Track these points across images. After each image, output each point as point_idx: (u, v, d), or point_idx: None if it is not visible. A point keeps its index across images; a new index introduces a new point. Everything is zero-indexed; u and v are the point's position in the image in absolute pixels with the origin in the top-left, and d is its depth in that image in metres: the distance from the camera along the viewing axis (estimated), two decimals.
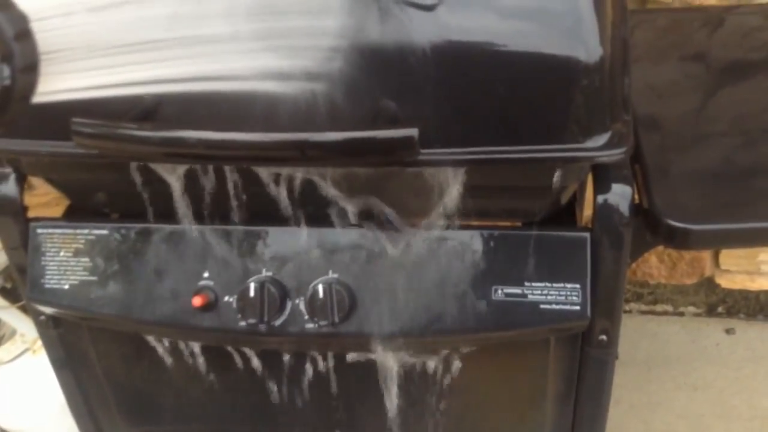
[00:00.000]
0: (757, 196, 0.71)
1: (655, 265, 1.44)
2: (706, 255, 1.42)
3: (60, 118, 0.60)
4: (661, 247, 0.97)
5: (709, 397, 1.36)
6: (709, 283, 1.47)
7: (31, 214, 0.76)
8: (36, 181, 0.76)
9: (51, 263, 0.75)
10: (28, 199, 0.76)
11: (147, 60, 0.56)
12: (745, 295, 1.47)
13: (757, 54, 0.93)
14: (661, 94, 0.85)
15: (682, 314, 1.51)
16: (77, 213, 0.78)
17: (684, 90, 0.87)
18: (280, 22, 0.57)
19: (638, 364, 1.41)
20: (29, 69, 0.52)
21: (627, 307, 1.51)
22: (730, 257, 1.41)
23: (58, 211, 0.80)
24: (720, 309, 1.50)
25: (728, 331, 1.47)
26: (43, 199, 0.83)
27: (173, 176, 0.67)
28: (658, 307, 1.52)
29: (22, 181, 0.75)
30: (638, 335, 1.47)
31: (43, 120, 0.63)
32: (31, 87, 0.53)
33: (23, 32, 0.51)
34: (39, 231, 0.75)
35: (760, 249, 1.37)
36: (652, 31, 0.98)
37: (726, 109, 0.83)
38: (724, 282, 1.45)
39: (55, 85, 0.55)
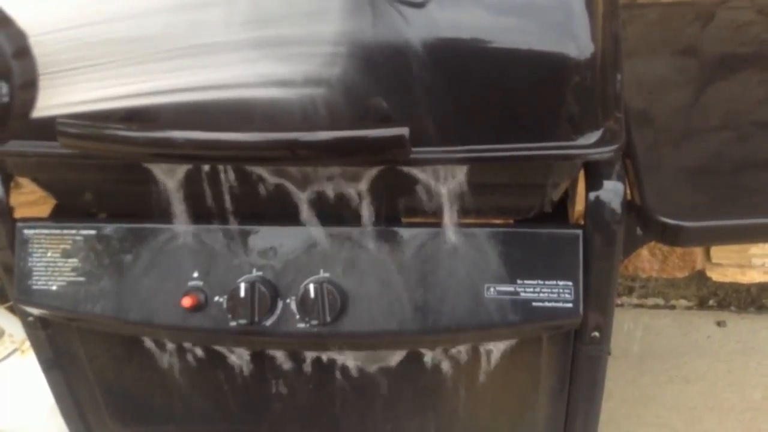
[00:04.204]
0: (748, 192, 0.71)
1: (647, 258, 1.44)
2: (698, 249, 1.42)
3: (47, 118, 0.59)
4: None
5: (700, 389, 1.36)
6: (701, 277, 1.47)
7: (17, 212, 0.76)
8: (22, 179, 0.75)
9: (38, 264, 0.74)
10: (15, 198, 0.75)
11: (142, 72, 0.56)
12: (736, 287, 1.48)
13: (748, 48, 0.93)
14: (652, 90, 0.84)
15: (673, 307, 1.52)
16: (64, 213, 0.77)
17: (675, 85, 0.86)
18: (274, 28, 0.56)
19: (630, 357, 1.41)
20: (28, 86, 0.52)
21: (619, 301, 1.51)
22: (721, 251, 1.42)
23: (45, 209, 0.79)
24: (711, 302, 1.51)
25: (719, 324, 1.47)
26: (30, 197, 0.82)
27: (167, 176, 0.67)
28: (650, 301, 1.52)
29: (7, 181, 0.74)
30: (630, 329, 1.47)
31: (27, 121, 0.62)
32: (30, 104, 0.52)
33: (22, 49, 0.51)
34: (26, 231, 0.74)
35: None
36: (644, 25, 0.98)
37: (717, 104, 0.83)
38: (716, 275, 1.46)
39: (54, 100, 0.55)
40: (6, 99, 0.50)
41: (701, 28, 0.97)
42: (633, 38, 0.94)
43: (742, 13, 0.99)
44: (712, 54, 0.92)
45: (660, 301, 1.52)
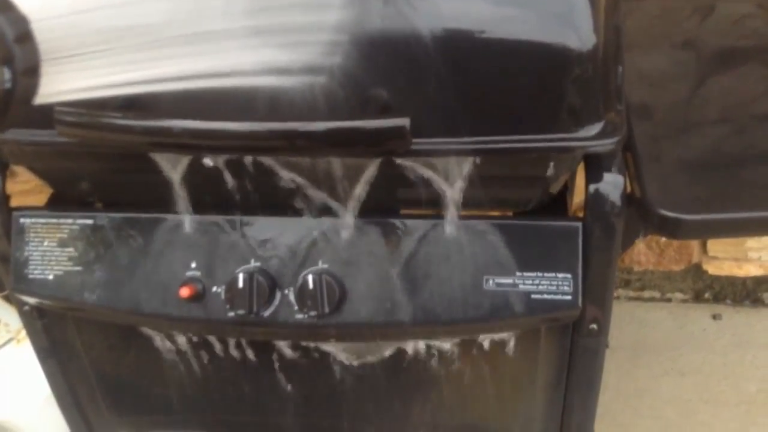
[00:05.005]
0: (747, 186, 0.71)
1: (643, 251, 1.45)
2: (694, 242, 1.42)
3: (44, 106, 0.58)
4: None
5: (695, 382, 1.37)
6: (697, 270, 1.48)
7: (13, 201, 0.75)
8: (18, 168, 0.74)
9: (35, 253, 0.74)
10: (10, 187, 0.75)
11: (142, 60, 0.56)
12: (731, 281, 1.48)
13: (747, 41, 0.92)
14: (652, 83, 0.84)
15: (669, 300, 1.52)
16: (61, 202, 0.77)
17: (675, 78, 0.86)
18: (275, 17, 0.56)
19: (626, 350, 1.42)
20: (30, 71, 0.51)
21: (615, 294, 1.51)
22: (717, 244, 1.42)
23: (41, 198, 0.78)
24: (707, 295, 1.51)
25: (715, 317, 1.48)
26: (26, 186, 0.81)
27: (166, 165, 0.66)
28: (646, 294, 1.53)
29: (3, 169, 0.73)
30: (626, 321, 1.47)
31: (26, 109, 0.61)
32: (32, 90, 0.52)
33: (24, 35, 0.50)
34: (22, 220, 0.74)
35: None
36: (643, 18, 0.97)
37: (717, 98, 0.83)
38: (712, 268, 1.46)
39: (56, 87, 0.55)
40: (8, 85, 0.50)
41: (701, 22, 0.97)
42: (633, 31, 0.93)
43: (742, 6, 0.98)
44: (712, 47, 0.92)
45: (656, 294, 1.52)
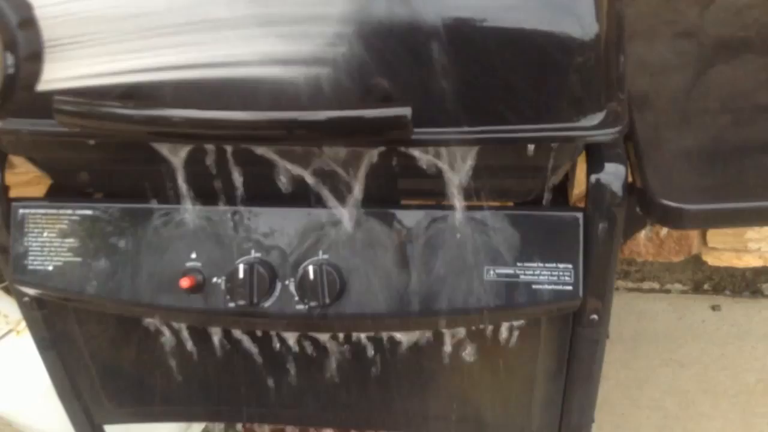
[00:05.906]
0: (749, 176, 0.71)
1: (643, 242, 1.44)
2: (694, 233, 1.42)
3: (43, 95, 0.58)
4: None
5: (694, 373, 1.37)
6: (696, 261, 1.47)
7: (12, 193, 0.75)
8: (17, 159, 0.74)
9: (34, 244, 0.74)
10: (9, 178, 0.74)
11: (144, 48, 0.55)
12: (731, 272, 1.48)
13: (748, 32, 0.92)
14: (653, 72, 0.84)
15: (668, 291, 1.52)
16: (60, 192, 0.76)
17: (676, 68, 0.86)
18: (276, 6, 0.55)
19: (625, 340, 1.42)
20: (33, 57, 0.51)
21: (614, 285, 1.51)
22: (717, 235, 1.42)
23: (40, 189, 0.78)
24: (706, 286, 1.51)
25: (714, 308, 1.48)
26: (24, 177, 0.81)
27: (171, 156, 0.66)
28: (645, 285, 1.53)
29: (2, 160, 0.73)
30: (625, 312, 1.47)
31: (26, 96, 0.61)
32: (34, 75, 0.52)
33: (27, 20, 0.50)
34: (21, 211, 0.74)
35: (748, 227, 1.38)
36: (645, 7, 0.97)
37: (718, 87, 0.83)
38: (711, 259, 1.46)
39: (58, 74, 0.55)
40: (12, 70, 0.49)
41: (702, 11, 0.96)
42: (634, 20, 0.93)
43: None
44: (713, 37, 0.91)
45: (655, 285, 1.52)
